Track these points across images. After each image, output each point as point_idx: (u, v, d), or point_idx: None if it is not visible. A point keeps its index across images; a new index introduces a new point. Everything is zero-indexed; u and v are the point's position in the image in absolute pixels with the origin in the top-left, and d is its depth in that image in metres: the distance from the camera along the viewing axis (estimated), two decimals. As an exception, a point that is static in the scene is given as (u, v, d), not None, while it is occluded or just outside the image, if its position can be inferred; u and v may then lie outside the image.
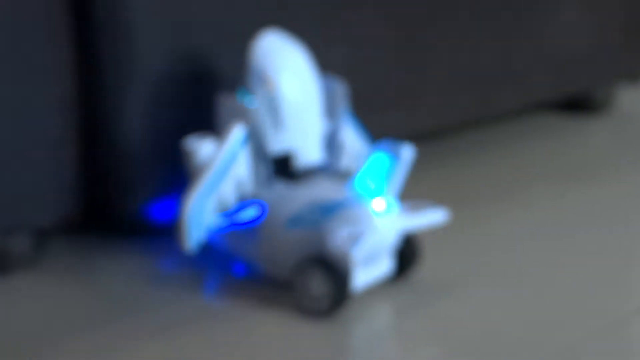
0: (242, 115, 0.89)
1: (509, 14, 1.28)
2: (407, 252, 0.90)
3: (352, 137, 0.95)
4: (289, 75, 0.89)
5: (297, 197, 0.87)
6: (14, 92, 0.86)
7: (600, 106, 1.50)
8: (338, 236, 0.83)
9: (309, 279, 0.84)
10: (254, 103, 0.89)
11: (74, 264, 0.96)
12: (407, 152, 0.87)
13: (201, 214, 0.87)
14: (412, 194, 0.96)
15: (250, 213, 0.89)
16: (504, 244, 1.01)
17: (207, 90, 0.96)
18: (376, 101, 1.14)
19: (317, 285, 0.84)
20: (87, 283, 0.91)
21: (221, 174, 0.87)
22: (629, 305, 0.88)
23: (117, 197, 0.95)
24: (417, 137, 1.18)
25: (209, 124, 0.95)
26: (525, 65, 1.32)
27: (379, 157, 0.87)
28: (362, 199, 0.85)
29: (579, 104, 1.50)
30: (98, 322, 0.84)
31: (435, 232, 0.96)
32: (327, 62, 1.02)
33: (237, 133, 0.88)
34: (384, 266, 0.88)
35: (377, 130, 1.12)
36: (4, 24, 0.85)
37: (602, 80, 1.47)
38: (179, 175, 0.95)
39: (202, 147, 0.89)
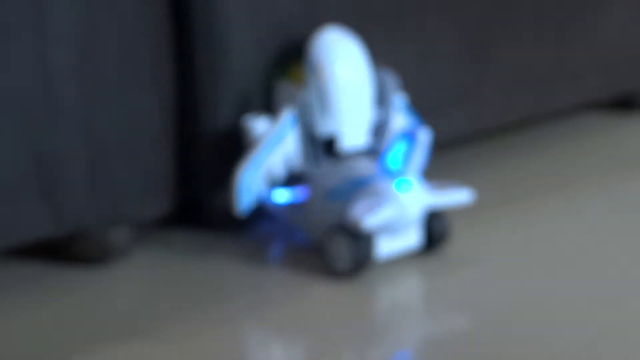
0: (293, 100, 1.00)
1: (564, 14, 1.33)
2: (436, 228, 0.99)
3: (401, 125, 1.05)
4: (340, 65, 0.99)
5: (337, 173, 0.98)
6: (121, 94, 0.92)
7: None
8: (357, 206, 0.94)
9: (333, 243, 0.95)
10: (306, 90, 0.99)
11: (169, 255, 1.01)
12: (424, 136, 0.96)
13: (250, 183, 0.97)
14: (474, 184, 1.01)
15: (294, 190, 1.01)
16: (549, 229, 1.07)
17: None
18: (440, 101, 1.19)
19: (340, 249, 0.94)
20: (182, 272, 0.97)
21: (270, 150, 0.98)
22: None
23: (209, 191, 1.01)
24: (479, 136, 1.23)
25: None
26: (579, 65, 1.37)
27: (403, 140, 0.97)
28: (387, 175, 0.95)
29: (629, 103, 1.55)
30: (195, 306, 0.90)
31: (483, 217, 1.02)
32: (395, 62, 1.09)
33: (286, 115, 0.98)
34: (411, 239, 0.98)
35: (441, 129, 1.17)
36: (114, 32, 0.91)
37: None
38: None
39: (256, 125, 0.99)
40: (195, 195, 1.02)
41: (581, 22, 1.35)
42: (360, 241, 0.94)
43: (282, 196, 1.02)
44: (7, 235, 0.88)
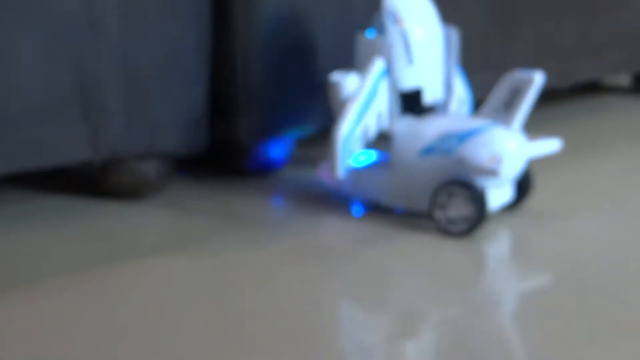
0: (381, 50, 0.95)
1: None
2: (524, 181, 0.98)
3: (459, 84, 1.03)
4: (417, 18, 0.96)
5: (428, 129, 0.94)
6: (161, 28, 0.95)
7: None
8: (481, 157, 0.90)
9: (451, 202, 0.92)
10: (389, 40, 0.95)
11: (198, 193, 1.05)
12: (539, 77, 0.93)
13: (350, 143, 0.93)
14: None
15: (373, 153, 0.99)
16: (606, 179, 1.11)
17: (339, 33, 1.07)
18: (469, 63, 1.22)
19: (459, 208, 0.91)
20: (209, 209, 1.00)
21: (366, 106, 0.94)
22: None
23: (241, 134, 1.04)
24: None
25: (339, 66, 1.05)
26: (602, 40, 1.40)
27: (512, 82, 0.94)
28: (495, 125, 0.92)
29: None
30: (221, 233, 0.92)
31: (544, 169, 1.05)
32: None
33: (378, 66, 0.95)
34: (508, 193, 0.96)
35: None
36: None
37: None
38: (297, 116, 1.04)
39: (347, 81, 0.95)
40: (228, 136, 1.05)
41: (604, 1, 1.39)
42: (480, 196, 0.91)
43: (364, 158, 0.98)
44: (49, 156, 0.91)
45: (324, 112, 1.04)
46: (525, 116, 0.95)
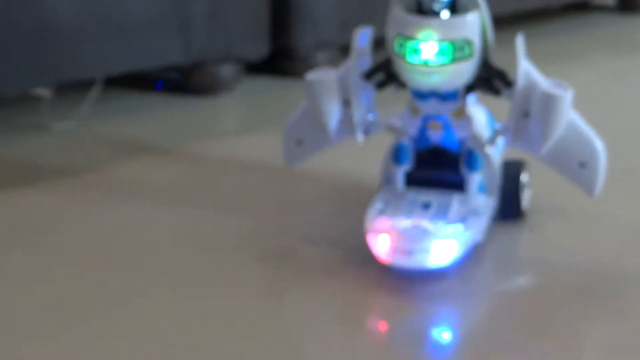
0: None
1: None
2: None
3: None
4: None
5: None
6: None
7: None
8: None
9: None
10: None
11: (262, 91, 1.31)
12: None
13: None
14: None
15: None
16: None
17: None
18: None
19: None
20: (270, 105, 1.27)
21: None
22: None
23: (299, 43, 1.31)
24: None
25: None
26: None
27: None
28: None
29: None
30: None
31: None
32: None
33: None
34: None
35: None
36: None
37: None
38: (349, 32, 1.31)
39: None
40: (287, 44, 1.31)
41: None
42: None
43: None
44: (153, 60, 1.18)
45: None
46: None
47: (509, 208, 0.85)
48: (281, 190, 0.97)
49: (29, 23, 1.05)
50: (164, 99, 1.27)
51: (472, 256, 0.79)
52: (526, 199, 0.87)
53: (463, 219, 0.77)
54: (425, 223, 0.76)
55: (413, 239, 0.75)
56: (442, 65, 0.75)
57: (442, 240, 0.75)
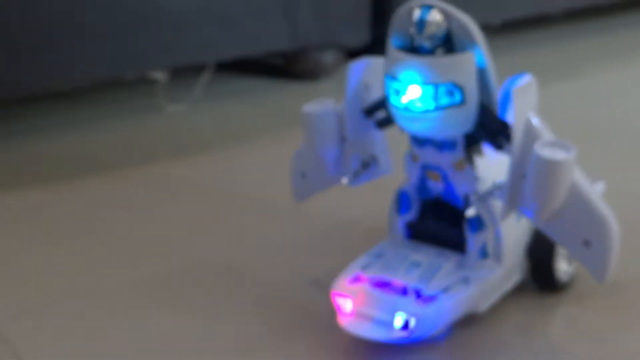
0: None
1: None
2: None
3: None
4: None
5: None
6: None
7: None
8: None
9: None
10: None
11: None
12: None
13: None
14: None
15: None
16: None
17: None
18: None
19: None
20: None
21: None
22: None
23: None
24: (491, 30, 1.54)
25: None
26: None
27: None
28: None
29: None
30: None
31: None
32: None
33: None
34: None
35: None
36: None
37: None
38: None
39: None
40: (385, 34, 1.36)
41: None
42: None
43: None
44: (259, 46, 1.24)
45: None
46: None
47: (540, 277, 0.73)
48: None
49: (146, 12, 1.12)
50: (268, 84, 1.33)
51: (465, 328, 0.69)
52: (563, 269, 0.74)
53: (446, 289, 0.67)
54: (398, 289, 0.66)
55: (376, 306, 0.65)
56: (425, 112, 0.64)
57: (406, 315, 0.65)
